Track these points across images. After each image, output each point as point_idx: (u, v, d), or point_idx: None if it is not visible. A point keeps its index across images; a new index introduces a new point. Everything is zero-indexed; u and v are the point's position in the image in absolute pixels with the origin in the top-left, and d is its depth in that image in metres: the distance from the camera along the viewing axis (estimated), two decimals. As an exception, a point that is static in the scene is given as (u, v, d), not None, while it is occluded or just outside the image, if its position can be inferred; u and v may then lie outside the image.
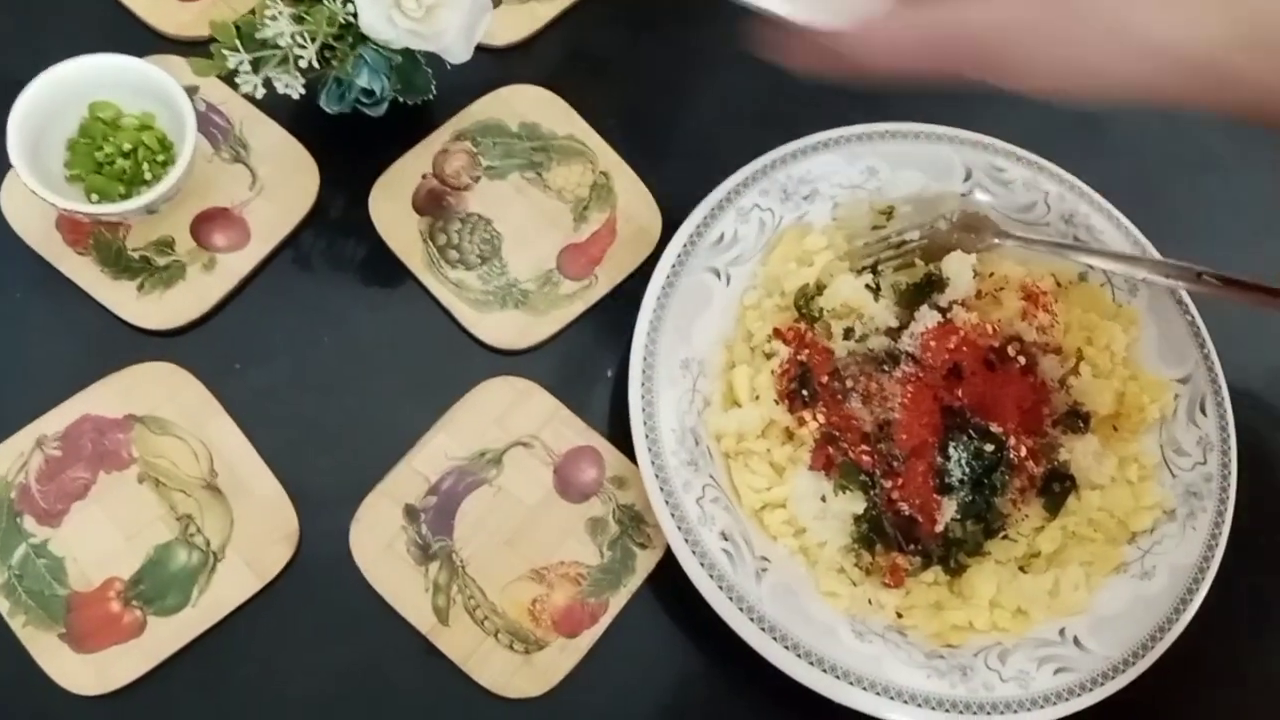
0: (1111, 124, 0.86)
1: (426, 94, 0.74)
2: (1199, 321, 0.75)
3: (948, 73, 0.54)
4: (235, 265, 0.75)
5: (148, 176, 0.73)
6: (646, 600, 0.70)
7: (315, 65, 0.66)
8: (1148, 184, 0.85)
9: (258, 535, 0.69)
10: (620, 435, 0.71)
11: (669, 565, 0.68)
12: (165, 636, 0.66)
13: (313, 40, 0.66)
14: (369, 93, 0.69)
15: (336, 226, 0.77)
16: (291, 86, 0.67)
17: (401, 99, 0.73)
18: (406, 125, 0.79)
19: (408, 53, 0.69)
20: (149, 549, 0.68)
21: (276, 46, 0.66)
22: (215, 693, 0.66)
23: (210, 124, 0.78)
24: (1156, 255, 0.76)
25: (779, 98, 0.84)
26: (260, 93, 0.67)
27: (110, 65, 0.73)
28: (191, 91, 0.77)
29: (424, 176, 0.78)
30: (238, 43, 0.66)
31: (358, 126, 0.75)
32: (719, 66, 0.85)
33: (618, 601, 0.70)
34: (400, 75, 0.70)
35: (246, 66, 0.67)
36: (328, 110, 0.71)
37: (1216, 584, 0.69)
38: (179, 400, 0.71)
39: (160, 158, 0.74)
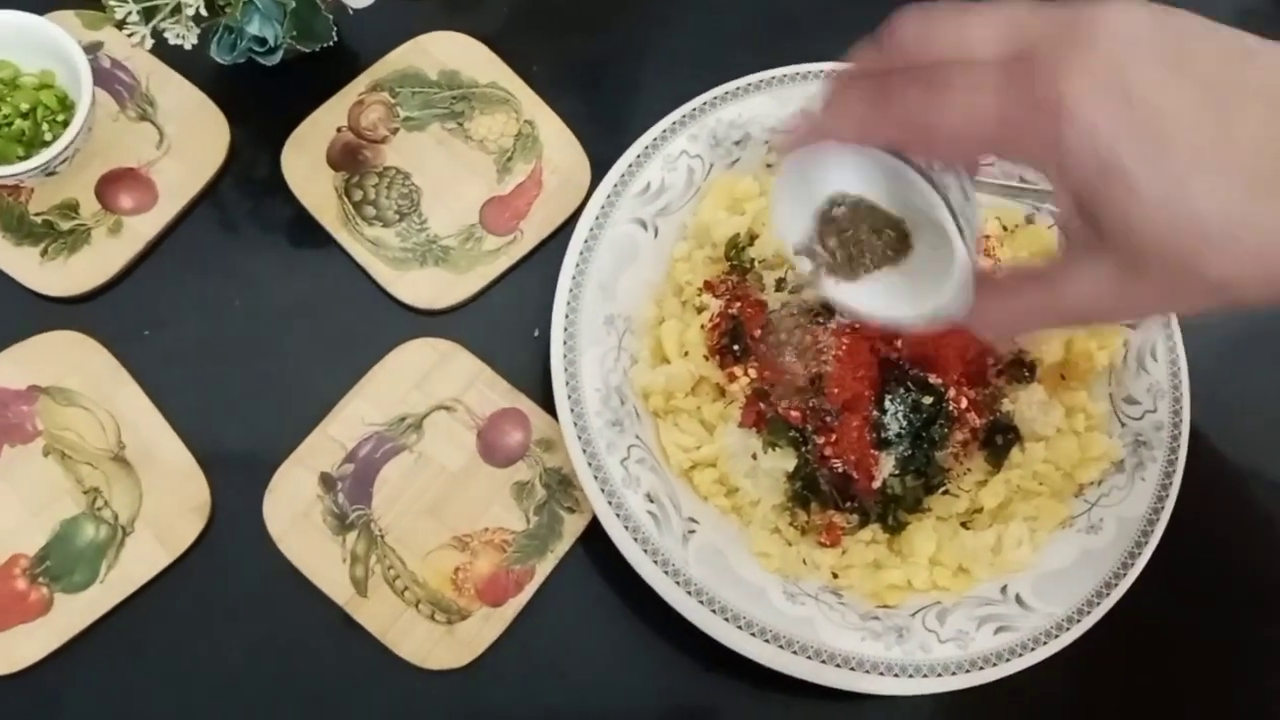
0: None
1: (326, 41, 0.70)
2: (1151, 263, 0.72)
3: None
4: (143, 228, 0.72)
5: (47, 137, 0.70)
6: (574, 566, 0.68)
7: (204, 14, 0.63)
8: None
9: (168, 507, 0.66)
10: (548, 396, 0.68)
11: (597, 530, 0.65)
12: (73, 614, 0.64)
13: (203, -13, 0.62)
14: (261, 40, 0.66)
15: (248, 185, 0.74)
16: (184, 37, 0.64)
17: (300, 47, 0.70)
18: (321, 77, 0.75)
19: (304, -3, 0.66)
20: (55, 524, 0.66)
21: (170, -4, 0.63)
22: (126, 671, 0.64)
23: (115, 81, 0.74)
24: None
25: (714, 39, 0.81)
26: (149, 44, 0.64)
27: (6, 22, 0.70)
28: (95, 48, 0.74)
29: (339, 130, 0.75)
30: (129, -9, 0.63)
31: (270, 80, 0.72)
32: (648, 6, 0.82)
33: (544, 568, 0.67)
34: (296, 21, 0.67)
35: (135, 16, 0.63)
36: (219, 60, 0.68)
37: (1167, 537, 0.66)
38: (85, 370, 0.69)
39: (60, 117, 0.71)
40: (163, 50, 0.66)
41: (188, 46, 0.64)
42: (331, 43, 0.70)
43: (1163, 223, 0.39)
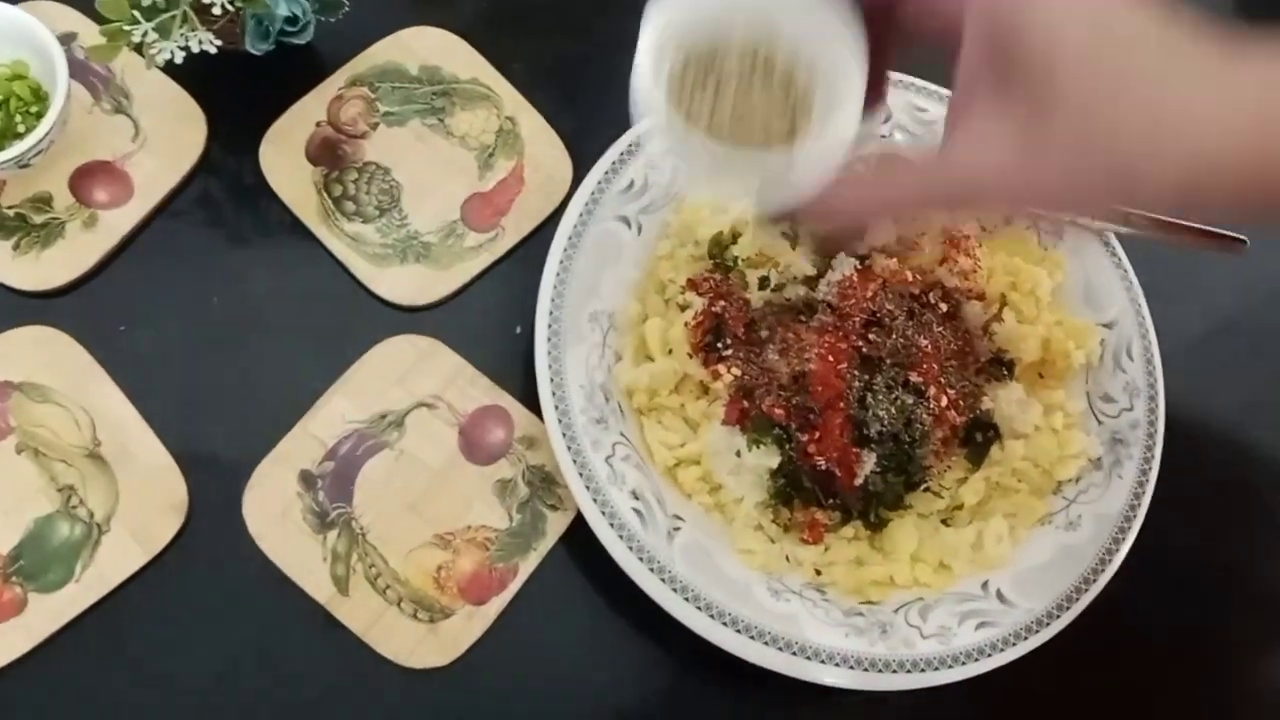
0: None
1: (343, 7, 0.71)
2: (1126, 264, 0.73)
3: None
4: (118, 222, 0.71)
5: (20, 129, 0.69)
6: (558, 564, 0.68)
7: (229, 7, 0.62)
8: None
9: (144, 505, 0.65)
10: (530, 394, 0.68)
11: (580, 527, 0.65)
12: (48, 614, 0.63)
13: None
14: (292, 20, 0.67)
15: (226, 179, 0.73)
16: (208, 43, 0.64)
17: (321, 18, 0.71)
18: (299, 71, 0.75)
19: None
20: (29, 522, 0.64)
21: (173, 4, 0.62)
22: (102, 672, 0.63)
23: (89, 72, 0.73)
24: (1083, 196, 0.74)
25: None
26: (180, 57, 0.63)
27: (-23, 11, 0.68)
28: (68, 38, 0.73)
29: (318, 124, 0.74)
30: (136, 13, 0.62)
31: (248, 73, 0.71)
32: (629, 3, 0.81)
33: (527, 566, 0.67)
34: (315, -6, 0.68)
35: (153, 35, 0.62)
36: (254, 52, 0.68)
37: (1143, 534, 0.67)
38: (59, 365, 0.68)
39: (34, 109, 0.69)
40: (138, 43, 0.65)
41: (213, 51, 0.64)
42: (345, 8, 0.71)
43: (1090, 45, 0.39)
